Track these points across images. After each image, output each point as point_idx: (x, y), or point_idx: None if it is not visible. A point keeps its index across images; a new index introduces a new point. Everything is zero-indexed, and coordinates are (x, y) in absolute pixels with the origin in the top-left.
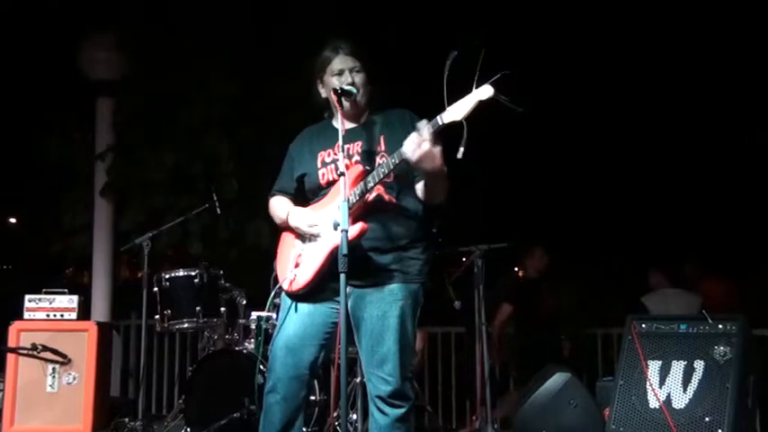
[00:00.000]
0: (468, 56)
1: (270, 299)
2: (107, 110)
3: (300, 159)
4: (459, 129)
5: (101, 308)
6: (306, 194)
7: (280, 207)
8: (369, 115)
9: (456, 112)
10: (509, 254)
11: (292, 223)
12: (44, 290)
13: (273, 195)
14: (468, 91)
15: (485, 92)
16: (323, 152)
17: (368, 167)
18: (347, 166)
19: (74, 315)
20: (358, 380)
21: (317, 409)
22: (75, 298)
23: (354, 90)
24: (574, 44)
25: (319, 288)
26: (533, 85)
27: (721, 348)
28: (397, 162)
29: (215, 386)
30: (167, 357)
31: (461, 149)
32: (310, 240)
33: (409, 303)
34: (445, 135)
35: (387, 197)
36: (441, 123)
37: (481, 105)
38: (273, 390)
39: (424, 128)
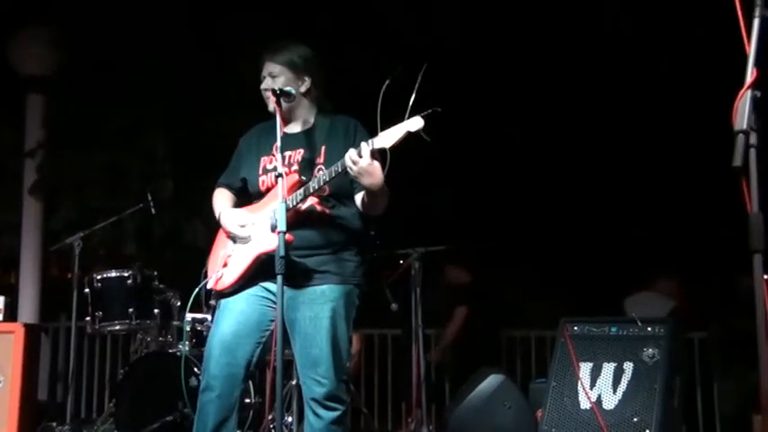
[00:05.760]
0: (403, 83)
1: (194, 293)
2: (38, 106)
3: (247, 160)
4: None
5: (28, 309)
6: (249, 195)
7: (218, 203)
8: (315, 118)
9: (386, 139)
10: (446, 257)
11: (223, 224)
12: None
13: (218, 187)
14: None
15: (414, 123)
16: (265, 158)
17: (304, 178)
18: (285, 173)
19: None
20: (293, 382)
21: (251, 412)
22: (0, 299)
23: (293, 91)
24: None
25: (245, 288)
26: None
27: (650, 350)
28: (339, 171)
29: (147, 389)
30: (98, 360)
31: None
32: (240, 241)
33: (342, 304)
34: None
35: (320, 208)
36: (371, 148)
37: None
38: (207, 388)
39: (364, 147)
